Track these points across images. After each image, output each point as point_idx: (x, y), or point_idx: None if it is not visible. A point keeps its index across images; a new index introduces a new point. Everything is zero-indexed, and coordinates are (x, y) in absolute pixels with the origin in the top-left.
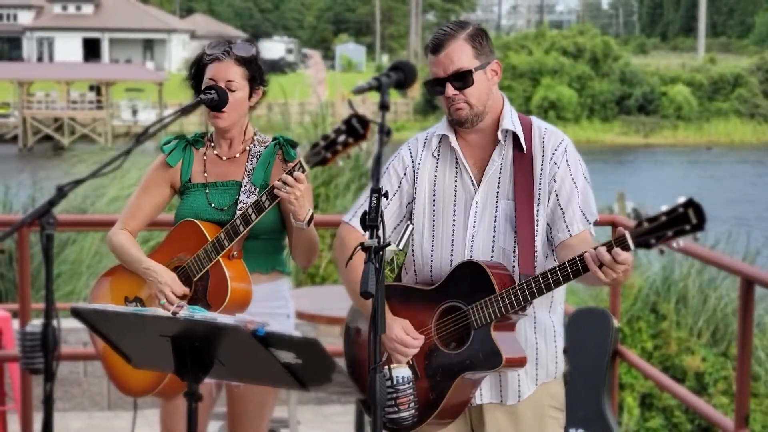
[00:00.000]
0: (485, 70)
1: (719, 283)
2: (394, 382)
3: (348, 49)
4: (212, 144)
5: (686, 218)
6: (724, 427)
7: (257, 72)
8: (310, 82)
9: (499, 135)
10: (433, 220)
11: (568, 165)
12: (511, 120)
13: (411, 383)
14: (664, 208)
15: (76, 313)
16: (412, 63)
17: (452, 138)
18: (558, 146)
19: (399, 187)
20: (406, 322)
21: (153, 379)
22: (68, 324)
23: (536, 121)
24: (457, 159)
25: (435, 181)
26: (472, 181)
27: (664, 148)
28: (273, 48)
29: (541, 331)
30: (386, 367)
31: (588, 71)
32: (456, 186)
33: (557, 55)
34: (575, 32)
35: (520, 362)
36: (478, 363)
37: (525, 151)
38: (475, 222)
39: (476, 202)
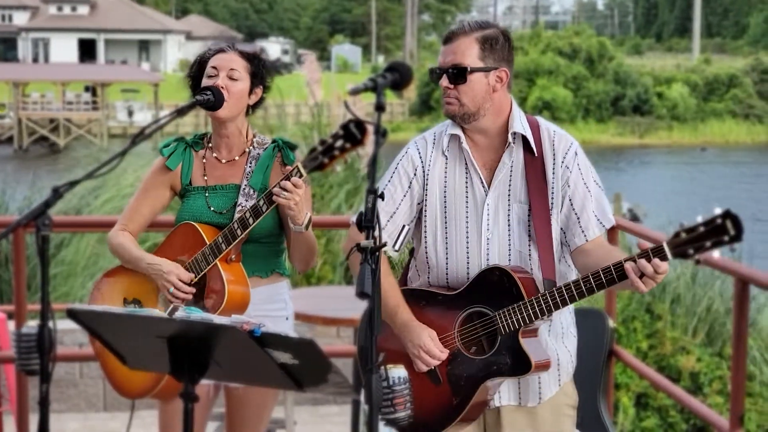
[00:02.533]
0: (488, 74)
1: (713, 283)
2: (391, 383)
3: (344, 49)
4: (211, 146)
5: (724, 229)
6: (719, 426)
7: (258, 70)
8: (304, 82)
9: (510, 137)
10: (446, 223)
11: (580, 169)
12: (521, 123)
13: (407, 383)
14: (700, 219)
15: (72, 315)
16: (407, 64)
17: (463, 138)
18: (569, 150)
19: (409, 187)
20: (433, 333)
21: (151, 381)
22: (64, 325)
23: (543, 123)
24: (467, 160)
25: (446, 182)
26: (482, 183)
27: (659, 148)
28: (269, 49)
29: (554, 334)
30: (383, 367)
31: (583, 72)
32: (467, 188)
33: (553, 56)
34: (570, 33)
35: (545, 366)
36: (506, 369)
37: (536, 155)
38: (488, 225)
39: (488, 205)
